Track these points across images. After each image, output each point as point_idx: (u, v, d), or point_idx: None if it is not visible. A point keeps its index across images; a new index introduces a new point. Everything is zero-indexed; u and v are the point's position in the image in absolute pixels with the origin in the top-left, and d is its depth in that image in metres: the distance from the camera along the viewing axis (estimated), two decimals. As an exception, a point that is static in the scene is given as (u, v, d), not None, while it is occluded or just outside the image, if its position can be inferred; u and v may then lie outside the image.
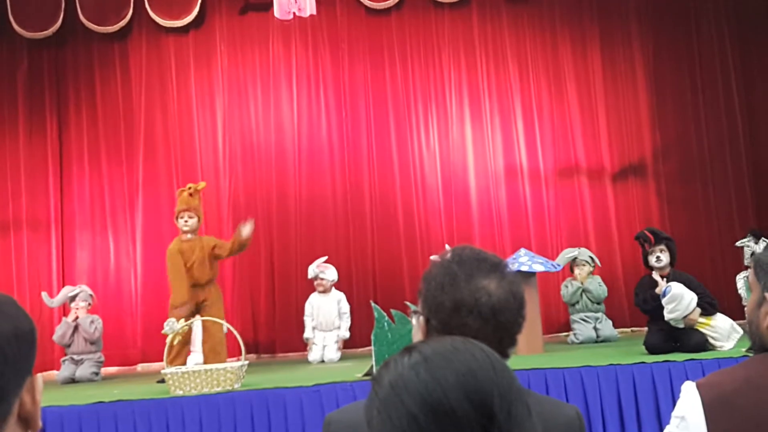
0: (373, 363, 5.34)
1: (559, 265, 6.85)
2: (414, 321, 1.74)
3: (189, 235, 6.72)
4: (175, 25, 8.48)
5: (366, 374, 5.37)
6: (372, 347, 5.38)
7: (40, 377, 1.18)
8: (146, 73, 8.60)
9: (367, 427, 1.08)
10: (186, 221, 6.71)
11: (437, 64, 8.71)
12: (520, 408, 1.04)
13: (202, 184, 6.97)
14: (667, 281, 5.65)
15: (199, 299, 6.64)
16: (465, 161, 8.60)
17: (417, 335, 1.73)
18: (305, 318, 7.38)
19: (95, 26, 8.35)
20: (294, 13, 7.54)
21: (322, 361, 7.14)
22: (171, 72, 8.62)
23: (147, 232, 8.40)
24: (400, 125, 8.60)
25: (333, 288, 7.43)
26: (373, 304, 5.56)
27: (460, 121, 8.66)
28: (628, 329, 8.02)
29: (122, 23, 8.39)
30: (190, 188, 6.80)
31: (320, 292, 7.36)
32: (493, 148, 8.61)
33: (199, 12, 8.45)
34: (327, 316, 7.31)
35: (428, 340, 1.13)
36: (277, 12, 7.85)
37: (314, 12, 7.35)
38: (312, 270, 7.40)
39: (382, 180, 8.51)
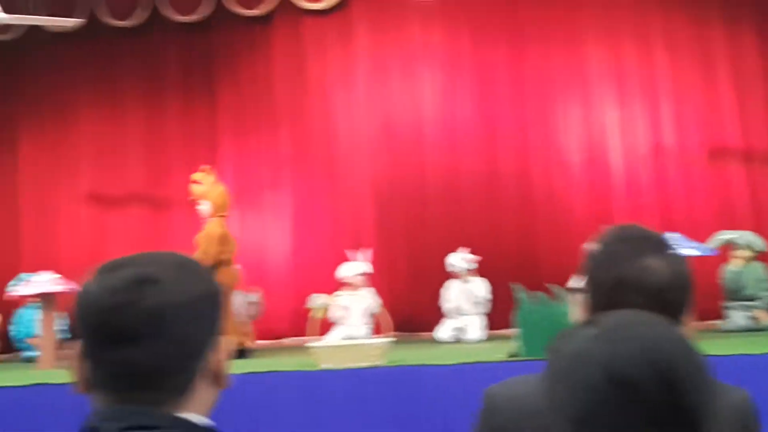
0: (518, 344, 5.31)
1: (713, 250, 6.56)
2: (575, 298, 1.72)
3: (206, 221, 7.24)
4: (317, 8, 8.66)
5: (510, 355, 5.35)
6: (514, 329, 5.35)
7: (228, 339, 1.24)
8: (290, 55, 8.84)
9: (546, 399, 1.08)
10: (202, 209, 7.24)
11: (579, 44, 8.51)
12: (707, 382, 1.03)
13: (205, 168, 7.41)
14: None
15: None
16: (608, 141, 8.38)
17: (577, 312, 1.72)
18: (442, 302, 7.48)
19: (241, 10, 8.64)
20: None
21: (458, 341, 7.18)
22: (313, 54, 8.81)
23: (291, 210, 8.65)
24: (540, 106, 8.48)
25: (469, 274, 7.45)
26: (514, 286, 5.52)
27: (603, 100, 8.45)
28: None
29: (267, 7, 8.63)
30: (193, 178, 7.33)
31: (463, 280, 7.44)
32: (638, 128, 8.35)
33: (341, -6, 8.59)
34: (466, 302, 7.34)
35: (607, 313, 1.12)
36: (417, -8, 7.90)
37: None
38: (451, 262, 7.47)
39: (522, 161, 8.42)
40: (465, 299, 7.38)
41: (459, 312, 7.37)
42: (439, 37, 8.64)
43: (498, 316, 7.56)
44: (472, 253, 7.57)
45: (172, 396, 1.15)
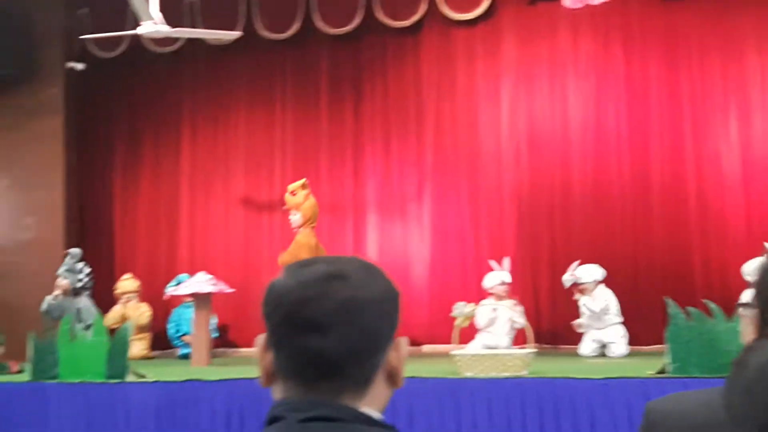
0: (667, 361, 5.14)
1: None
2: (744, 314, 1.66)
3: (296, 230, 7.72)
4: (465, 18, 8.68)
5: (659, 372, 5.19)
6: (666, 345, 5.18)
7: (405, 339, 1.27)
8: (436, 65, 8.90)
9: (727, 411, 1.06)
10: (294, 219, 7.70)
11: (737, 52, 8.15)
12: None
13: (302, 181, 7.88)
14: None
15: None
16: (768, 153, 7.98)
17: (748, 329, 1.65)
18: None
19: (390, 21, 8.78)
20: (586, 2, 7.42)
21: (603, 355, 7.02)
22: (459, 63, 8.83)
23: (434, 219, 8.71)
24: (695, 117, 8.18)
25: (599, 287, 7.27)
26: (668, 301, 5.35)
27: (763, 112, 8.05)
28: None
29: (415, 18, 8.74)
30: (292, 190, 7.79)
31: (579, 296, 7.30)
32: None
33: (490, 5, 8.57)
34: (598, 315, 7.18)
35: None
36: (567, 1, 7.78)
37: (606, -1, 7.17)
38: (566, 279, 7.33)
39: (674, 171, 8.14)
40: (591, 313, 7.21)
41: (593, 326, 7.20)
42: (588, 47, 8.48)
43: (646, 331, 7.34)
44: (617, 266, 7.39)
45: (353, 389, 1.19)
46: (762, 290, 1.61)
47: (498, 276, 7.29)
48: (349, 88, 9.15)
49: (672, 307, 5.19)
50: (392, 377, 1.24)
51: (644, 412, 1.68)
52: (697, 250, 7.95)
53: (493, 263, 7.39)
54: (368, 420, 1.18)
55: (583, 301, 7.23)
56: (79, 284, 6.72)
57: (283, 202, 8.23)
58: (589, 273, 7.28)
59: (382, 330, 1.21)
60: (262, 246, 9.01)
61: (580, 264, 7.33)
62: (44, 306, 6.62)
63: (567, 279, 7.34)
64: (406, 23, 8.76)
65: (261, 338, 1.24)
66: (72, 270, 6.68)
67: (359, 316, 1.17)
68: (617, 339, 7.10)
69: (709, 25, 8.24)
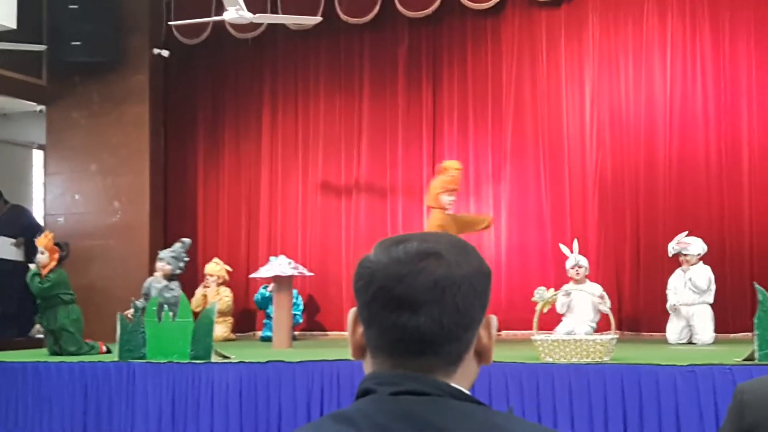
0: (755, 348, 4.99)
1: None
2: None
3: (450, 211, 7.24)
4: (549, -1, 8.56)
5: (746, 359, 5.04)
6: (754, 331, 5.03)
7: (495, 318, 1.27)
8: (517, 47, 8.78)
9: None
10: (452, 200, 7.25)
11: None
12: None
13: (459, 165, 7.47)
14: None
15: None
16: None
17: None
18: (668, 292, 7.15)
19: (471, 3, 8.69)
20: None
21: (689, 343, 6.84)
22: (541, 45, 8.70)
23: (512, 202, 8.64)
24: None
25: (700, 262, 7.05)
26: (756, 286, 5.19)
27: None
28: None
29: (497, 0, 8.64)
30: (459, 170, 7.32)
31: (684, 268, 7.05)
32: None
33: (575, -15, 8.42)
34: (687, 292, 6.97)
35: None
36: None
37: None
38: (672, 247, 7.10)
39: (764, 153, 7.86)
40: (685, 289, 6.99)
41: (681, 303, 6.99)
42: (676, 30, 8.24)
43: (734, 317, 7.14)
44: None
45: (443, 365, 1.19)
46: None
47: (572, 259, 7.20)
48: (427, 72, 9.12)
49: (761, 292, 5.03)
50: (482, 354, 1.25)
51: (734, 393, 1.66)
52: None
53: (563, 247, 7.30)
54: (460, 395, 1.18)
55: (690, 275, 6.99)
56: (179, 272, 6.95)
57: (360, 185, 8.30)
58: (696, 245, 7.04)
59: (474, 308, 1.21)
60: (339, 230, 9.07)
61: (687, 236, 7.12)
62: (145, 287, 6.87)
63: (673, 247, 7.11)
64: (488, 5, 8.66)
65: (353, 312, 1.25)
66: (178, 257, 6.90)
67: (452, 294, 1.17)
68: (706, 322, 6.88)
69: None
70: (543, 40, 8.69)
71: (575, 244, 7.30)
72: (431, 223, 7.06)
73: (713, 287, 6.97)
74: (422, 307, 1.16)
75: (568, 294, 7.05)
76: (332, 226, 9.15)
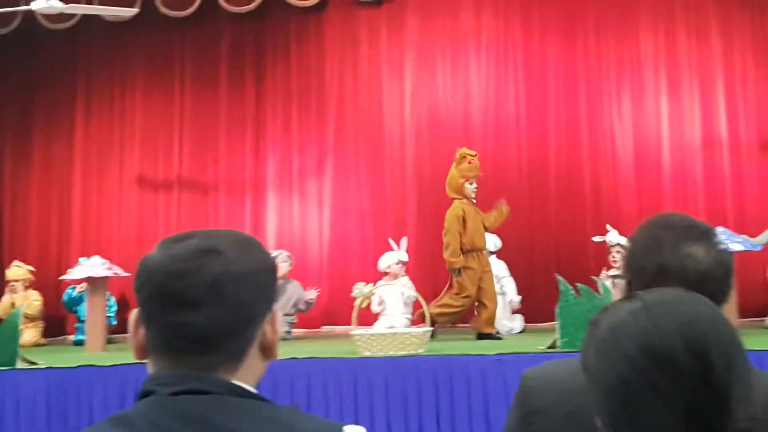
0: (557, 336, 5.29)
1: (759, 245, 6.44)
2: (617, 284, 1.74)
3: (475, 200, 6.85)
4: (370, -1, 8.72)
5: (549, 347, 5.34)
6: (556, 321, 5.33)
7: (279, 313, 1.28)
8: (339, 44, 8.90)
9: (583, 370, 1.11)
10: (475, 187, 6.83)
11: (633, 34, 8.41)
12: (739, 360, 1.05)
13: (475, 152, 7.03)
14: None
15: (483, 265, 6.72)
16: (660, 134, 8.28)
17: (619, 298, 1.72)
18: None
19: (294, 0, 8.70)
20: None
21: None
22: (363, 42, 8.87)
23: (334, 198, 8.72)
24: (591, 97, 8.41)
25: (494, 255, 7.40)
26: (558, 278, 5.49)
27: (655, 93, 8.34)
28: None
29: (319, -3, 8.70)
30: (475, 155, 6.90)
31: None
32: (690, 121, 8.23)
33: (395, -17, 8.62)
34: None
35: (651, 290, 1.14)
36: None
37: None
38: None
39: (570, 152, 8.37)
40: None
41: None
42: (490, 26, 8.62)
43: (542, 309, 7.54)
44: (513, 245, 7.54)
45: (226, 362, 1.19)
46: (629, 263, 1.68)
47: (395, 255, 7.33)
48: (250, 67, 9.06)
49: (562, 283, 5.34)
50: (267, 350, 1.25)
51: (520, 380, 1.73)
52: (591, 229, 8.17)
53: (392, 242, 7.45)
54: (241, 392, 1.17)
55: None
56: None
57: (181, 181, 8.10)
58: (488, 241, 7.37)
59: (256, 304, 1.21)
60: (158, 228, 8.83)
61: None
62: None
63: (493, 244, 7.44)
64: (311, 2, 8.71)
65: (134, 313, 1.22)
66: None
67: (232, 291, 1.17)
68: (513, 316, 7.25)
69: (606, 4, 8.45)
70: (365, 37, 8.85)
71: (404, 241, 7.43)
72: (451, 213, 6.69)
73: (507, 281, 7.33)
74: (201, 304, 1.15)
75: (387, 289, 7.16)
76: (150, 223, 8.90)
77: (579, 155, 8.33)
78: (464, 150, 6.94)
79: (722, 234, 6.00)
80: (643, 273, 1.61)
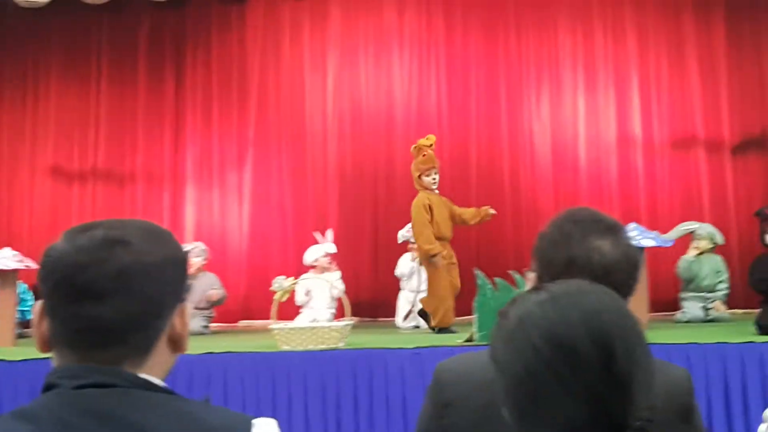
0: (475, 330, 5.36)
1: (670, 241, 6.63)
2: (528, 277, 1.77)
3: (437, 191, 6.74)
4: (293, -9, 8.66)
5: (467, 340, 5.40)
6: (474, 314, 5.40)
7: (189, 305, 1.26)
8: (261, 37, 8.82)
9: (492, 360, 1.13)
10: (434, 178, 6.70)
11: (552, 32, 8.58)
12: (640, 351, 1.08)
13: (432, 138, 6.86)
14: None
15: (449, 256, 6.61)
16: (577, 131, 8.47)
17: (530, 291, 1.75)
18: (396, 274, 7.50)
19: (216, -10, 8.61)
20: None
21: (417, 327, 7.19)
22: (285, 36, 8.81)
23: (255, 191, 8.64)
24: (511, 93, 8.54)
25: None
26: (477, 272, 5.56)
27: (573, 90, 8.52)
28: (741, 310, 7.73)
29: (243, -12, 8.61)
30: (430, 145, 6.72)
31: (413, 257, 7.41)
32: (606, 119, 8.44)
33: (317, -23, 8.59)
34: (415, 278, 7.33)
35: (557, 282, 1.17)
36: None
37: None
38: (401, 235, 7.47)
39: (490, 148, 8.48)
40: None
41: (411, 289, 7.30)
42: (412, 22, 8.66)
43: (463, 303, 7.61)
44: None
45: (133, 355, 1.17)
46: (539, 256, 1.72)
47: (322, 248, 7.31)
48: (170, 57, 8.92)
49: (480, 278, 5.40)
50: (176, 343, 1.23)
51: (434, 374, 1.75)
52: (510, 225, 8.30)
53: (317, 235, 7.42)
54: (148, 385, 1.16)
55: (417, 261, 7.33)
56: None
57: (97, 172, 7.90)
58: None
59: (164, 296, 1.19)
60: (71, 219, 8.60)
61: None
62: None
63: (402, 235, 7.43)
64: (232, -8, 8.63)
65: (38, 304, 1.19)
66: None
67: (139, 283, 1.15)
68: (403, 306, 7.33)
69: (526, 2, 8.58)
70: (287, 29, 8.79)
71: (330, 233, 7.40)
72: (416, 204, 6.56)
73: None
74: (106, 296, 1.13)
75: (311, 282, 7.13)
76: (64, 214, 8.66)
77: (499, 152, 8.45)
78: (420, 142, 6.82)
79: (635, 230, 6.19)
80: (552, 266, 1.65)
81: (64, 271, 1.15)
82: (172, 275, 1.21)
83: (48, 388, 1.14)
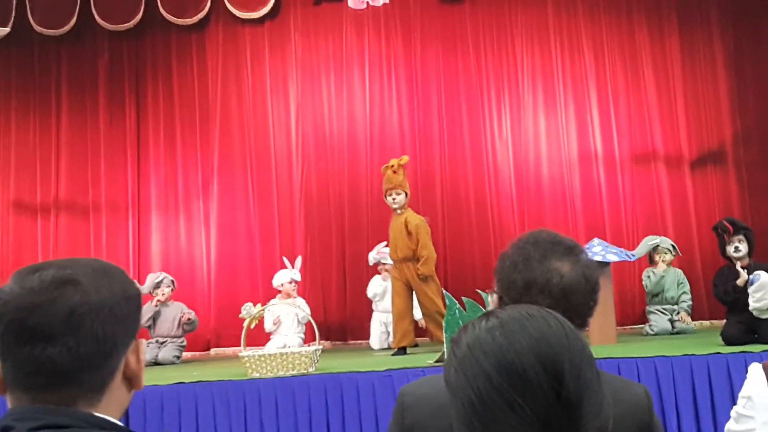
0: (445, 350, 5.37)
1: (634, 255, 6.71)
2: (492, 299, 1.79)
3: (399, 211, 6.73)
4: (252, 17, 8.65)
5: (437, 360, 5.41)
6: (443, 334, 5.41)
7: (143, 342, 1.26)
8: (222, 63, 8.80)
9: (446, 386, 1.15)
10: (394, 199, 6.71)
11: (510, 52, 8.66)
12: (589, 373, 1.09)
13: (405, 158, 6.90)
14: (748, 272, 5.51)
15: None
16: (538, 149, 8.53)
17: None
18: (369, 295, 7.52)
19: (174, 18, 8.58)
20: (367, 3, 7.61)
21: (389, 348, 7.18)
22: (246, 62, 8.79)
23: (221, 218, 8.60)
24: (472, 114, 8.59)
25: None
26: (444, 292, 5.58)
27: (533, 108, 8.59)
28: (707, 321, 7.84)
29: (200, 15, 8.60)
30: (392, 166, 6.75)
31: (384, 278, 7.42)
32: (567, 136, 8.52)
33: (275, 3, 8.60)
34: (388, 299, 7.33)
35: (506, 307, 1.18)
36: (350, 2, 7.94)
37: (387, 1, 7.39)
38: (372, 256, 7.48)
39: (454, 168, 8.51)
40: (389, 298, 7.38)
41: (384, 310, 7.33)
42: (373, 45, 8.70)
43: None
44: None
45: (87, 395, 1.17)
46: (499, 278, 1.74)
47: (287, 274, 7.30)
48: (130, 85, 8.88)
49: (448, 298, 5.42)
50: (132, 380, 1.23)
51: (397, 397, 1.76)
52: (476, 244, 8.34)
53: (286, 261, 7.40)
54: (104, 424, 1.15)
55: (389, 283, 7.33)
56: None
57: (60, 204, 7.81)
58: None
59: (116, 334, 1.19)
60: (37, 252, 8.52)
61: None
62: None
63: (373, 257, 7.46)
64: (191, 20, 8.61)
65: None
66: None
67: (90, 322, 1.15)
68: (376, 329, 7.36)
69: (484, 22, 8.65)
70: (248, 57, 8.79)
71: (298, 260, 7.40)
72: (416, 224, 6.61)
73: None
74: (57, 337, 1.13)
75: (279, 308, 7.11)
76: (28, 247, 8.59)
77: (463, 171, 8.49)
78: (385, 166, 6.91)
79: (598, 245, 6.26)
80: (512, 288, 1.68)
81: (15, 313, 1.14)
82: (124, 313, 1.21)
83: (3, 431, 1.13)
